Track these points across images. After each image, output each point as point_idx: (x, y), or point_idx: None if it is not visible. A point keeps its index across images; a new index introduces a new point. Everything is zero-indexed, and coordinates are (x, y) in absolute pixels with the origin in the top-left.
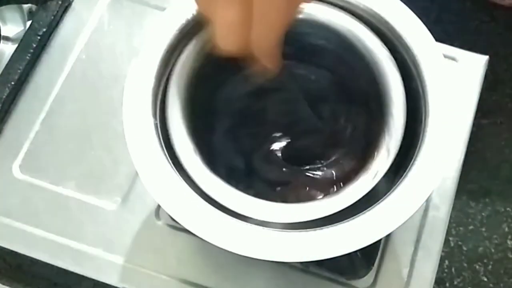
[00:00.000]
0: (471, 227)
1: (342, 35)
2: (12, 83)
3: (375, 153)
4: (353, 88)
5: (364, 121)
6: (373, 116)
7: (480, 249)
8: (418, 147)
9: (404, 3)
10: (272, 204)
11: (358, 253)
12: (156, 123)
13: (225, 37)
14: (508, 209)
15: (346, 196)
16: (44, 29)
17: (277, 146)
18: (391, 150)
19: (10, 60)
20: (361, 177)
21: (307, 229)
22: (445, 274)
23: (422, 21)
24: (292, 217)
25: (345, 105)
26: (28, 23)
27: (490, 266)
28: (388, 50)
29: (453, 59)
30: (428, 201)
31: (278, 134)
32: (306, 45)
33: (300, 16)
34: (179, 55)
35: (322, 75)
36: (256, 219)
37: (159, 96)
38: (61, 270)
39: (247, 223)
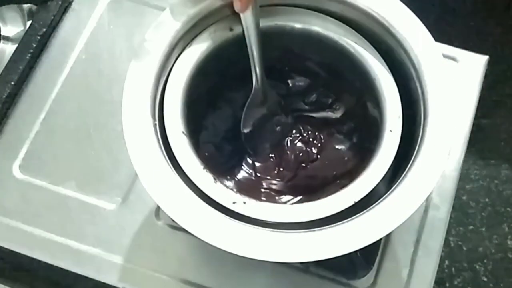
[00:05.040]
0: (471, 227)
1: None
2: (12, 83)
3: (375, 155)
4: (349, 87)
5: (364, 124)
6: (374, 119)
7: (480, 249)
8: (417, 147)
9: (404, 3)
10: (272, 205)
11: (358, 253)
12: (155, 124)
13: None
14: (508, 209)
15: (345, 197)
16: (44, 29)
17: (278, 150)
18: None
19: (10, 60)
20: (360, 178)
21: (307, 229)
22: (445, 274)
23: (422, 21)
24: (292, 218)
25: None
26: (28, 23)
27: (490, 266)
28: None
29: (453, 59)
30: (428, 201)
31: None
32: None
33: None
34: (178, 55)
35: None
36: (256, 219)
37: (158, 97)
38: (61, 270)
39: (246, 224)
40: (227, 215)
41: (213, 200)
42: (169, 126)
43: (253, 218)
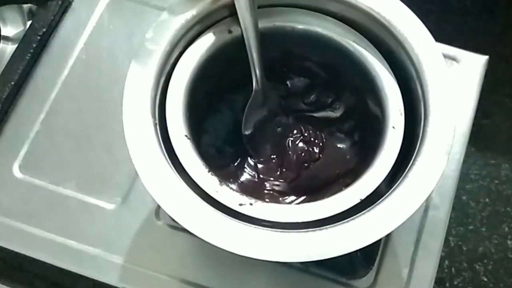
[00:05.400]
0: (471, 227)
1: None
2: (12, 83)
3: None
4: (350, 88)
5: (365, 124)
6: (374, 120)
7: (480, 249)
8: (418, 147)
9: (404, 3)
10: (279, 206)
11: (358, 253)
12: (156, 123)
13: None
14: (508, 209)
15: (345, 199)
16: (44, 29)
17: (279, 151)
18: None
19: (10, 60)
20: (361, 180)
21: (307, 229)
22: (445, 274)
23: (422, 21)
24: (300, 218)
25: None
26: (28, 23)
27: (490, 266)
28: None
29: (453, 59)
30: (428, 201)
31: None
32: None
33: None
34: (178, 56)
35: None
36: (256, 219)
37: (158, 96)
38: (61, 270)
39: (247, 224)
40: (227, 214)
41: (219, 202)
42: (172, 130)
43: (255, 218)
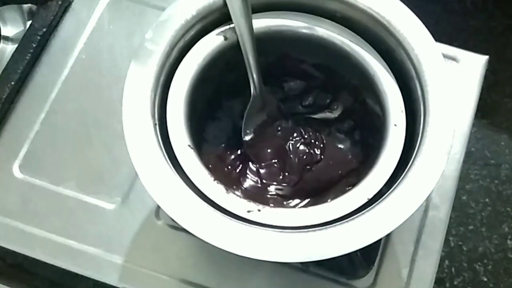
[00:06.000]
0: (471, 227)
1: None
2: (12, 83)
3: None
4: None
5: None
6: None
7: (480, 249)
8: (417, 147)
9: (404, 3)
10: (287, 211)
11: (358, 253)
12: (155, 124)
13: None
14: (508, 209)
15: (346, 202)
16: (44, 29)
17: (281, 155)
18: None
19: (10, 60)
20: (362, 184)
21: (307, 230)
22: (445, 274)
23: (422, 21)
24: (302, 222)
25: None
26: (28, 23)
27: (490, 266)
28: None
29: (453, 59)
30: (428, 201)
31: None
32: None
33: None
34: (178, 56)
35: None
36: (255, 221)
37: (158, 97)
38: (61, 270)
39: (246, 224)
40: (226, 214)
41: (227, 210)
42: (174, 140)
43: (265, 225)
